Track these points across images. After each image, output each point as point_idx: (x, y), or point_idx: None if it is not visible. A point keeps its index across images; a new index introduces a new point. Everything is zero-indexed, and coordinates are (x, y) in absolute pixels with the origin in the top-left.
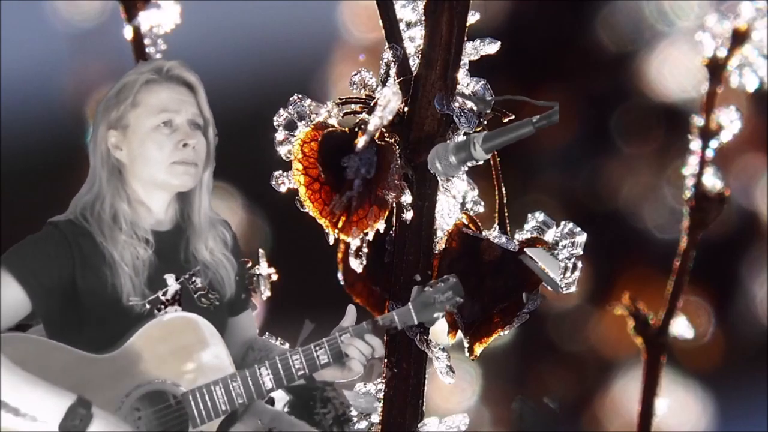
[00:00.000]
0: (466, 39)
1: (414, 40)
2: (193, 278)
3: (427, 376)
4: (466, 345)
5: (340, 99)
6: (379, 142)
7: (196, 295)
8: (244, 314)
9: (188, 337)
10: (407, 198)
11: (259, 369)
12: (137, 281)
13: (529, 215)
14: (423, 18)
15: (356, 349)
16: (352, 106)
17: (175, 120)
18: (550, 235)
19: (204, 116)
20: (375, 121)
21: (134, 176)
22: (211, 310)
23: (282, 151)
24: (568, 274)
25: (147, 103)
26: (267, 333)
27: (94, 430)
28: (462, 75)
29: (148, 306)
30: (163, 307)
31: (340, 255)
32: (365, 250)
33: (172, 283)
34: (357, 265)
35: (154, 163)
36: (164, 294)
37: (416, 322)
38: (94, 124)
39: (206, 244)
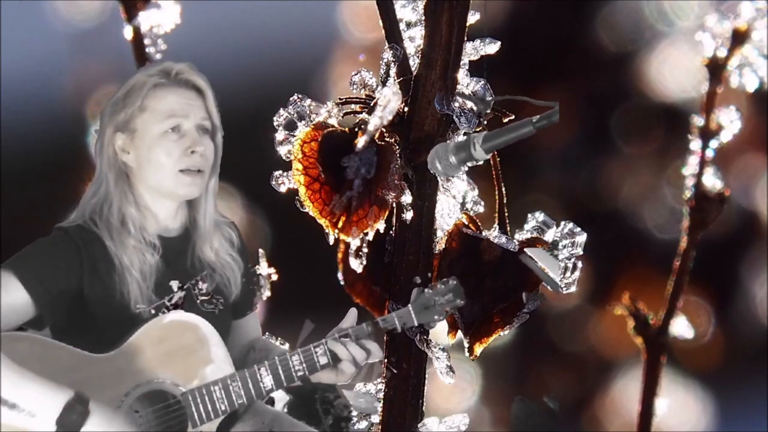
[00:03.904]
0: (466, 39)
1: (414, 40)
2: (199, 284)
3: (427, 376)
4: (466, 345)
5: (340, 99)
6: (379, 142)
7: (199, 301)
8: (248, 316)
9: (187, 337)
10: (407, 198)
11: (259, 369)
12: (144, 287)
13: (529, 215)
14: (423, 18)
15: (346, 351)
16: (352, 106)
17: (183, 125)
18: (550, 235)
19: (212, 120)
20: (375, 121)
21: (141, 181)
22: (215, 314)
23: (282, 151)
24: (568, 274)
25: (155, 108)
26: (267, 333)
27: (92, 427)
28: (462, 75)
29: (153, 312)
30: (167, 312)
31: (340, 255)
32: (365, 250)
33: (177, 290)
34: (357, 265)
35: (162, 170)
36: (169, 300)
37: (416, 324)
38: (100, 125)
39: (211, 246)
